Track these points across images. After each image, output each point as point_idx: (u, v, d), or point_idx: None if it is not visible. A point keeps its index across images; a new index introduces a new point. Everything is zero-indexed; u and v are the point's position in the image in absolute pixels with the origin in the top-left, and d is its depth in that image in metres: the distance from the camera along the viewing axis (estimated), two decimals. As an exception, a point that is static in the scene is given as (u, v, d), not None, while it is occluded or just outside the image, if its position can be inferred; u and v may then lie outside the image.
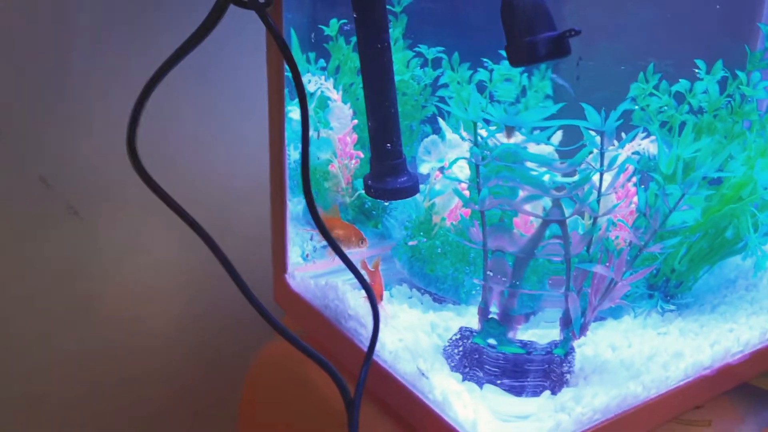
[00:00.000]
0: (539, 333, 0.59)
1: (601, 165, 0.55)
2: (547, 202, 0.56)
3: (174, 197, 0.54)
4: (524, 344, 0.58)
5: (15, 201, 0.79)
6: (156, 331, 0.91)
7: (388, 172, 0.60)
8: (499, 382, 0.57)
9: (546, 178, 0.54)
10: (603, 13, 0.74)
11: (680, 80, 0.68)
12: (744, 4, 0.76)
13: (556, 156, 0.66)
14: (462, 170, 0.63)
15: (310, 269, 0.74)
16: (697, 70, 0.66)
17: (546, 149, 0.66)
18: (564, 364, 0.58)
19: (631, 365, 0.60)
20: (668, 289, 0.68)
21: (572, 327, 0.57)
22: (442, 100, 0.65)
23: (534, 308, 0.57)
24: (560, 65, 0.66)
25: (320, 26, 0.74)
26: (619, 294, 0.58)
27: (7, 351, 0.82)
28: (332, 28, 0.75)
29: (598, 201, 0.56)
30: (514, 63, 0.44)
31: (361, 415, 0.63)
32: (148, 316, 0.91)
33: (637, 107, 0.67)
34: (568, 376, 0.58)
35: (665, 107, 0.67)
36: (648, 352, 0.62)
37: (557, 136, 0.66)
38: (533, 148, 0.58)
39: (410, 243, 0.65)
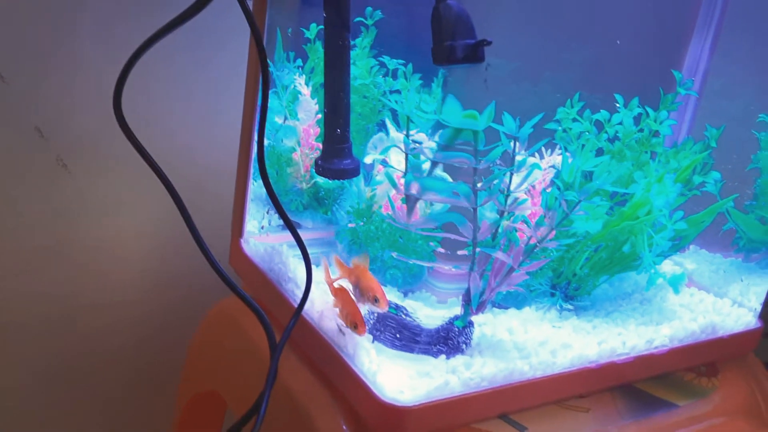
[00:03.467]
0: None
1: (511, 165, 0.63)
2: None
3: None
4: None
5: (10, 146, 0.85)
6: (123, 285, 0.97)
7: (336, 154, 0.67)
8: (399, 343, 0.64)
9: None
10: (551, 46, 0.83)
11: (602, 111, 0.76)
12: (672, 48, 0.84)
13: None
14: (400, 163, 0.70)
15: (264, 240, 0.81)
16: (616, 104, 0.74)
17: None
18: (461, 335, 0.65)
19: (523, 348, 0.67)
20: (569, 290, 0.75)
21: (471, 303, 0.64)
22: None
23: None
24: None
25: (302, 29, 0.82)
26: (516, 281, 0.64)
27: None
28: (312, 32, 0.82)
29: (506, 196, 0.63)
30: (435, 62, 0.52)
31: (285, 364, 0.69)
32: (119, 271, 0.97)
33: (560, 128, 0.75)
34: (464, 346, 0.65)
35: (586, 132, 0.75)
36: (540, 339, 0.69)
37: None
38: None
39: (350, 225, 0.72)
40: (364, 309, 0.62)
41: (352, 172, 0.64)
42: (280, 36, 0.78)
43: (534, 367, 0.65)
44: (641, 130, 0.73)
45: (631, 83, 0.80)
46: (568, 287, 0.75)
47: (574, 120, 0.75)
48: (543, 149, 0.73)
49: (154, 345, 1.00)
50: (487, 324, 0.70)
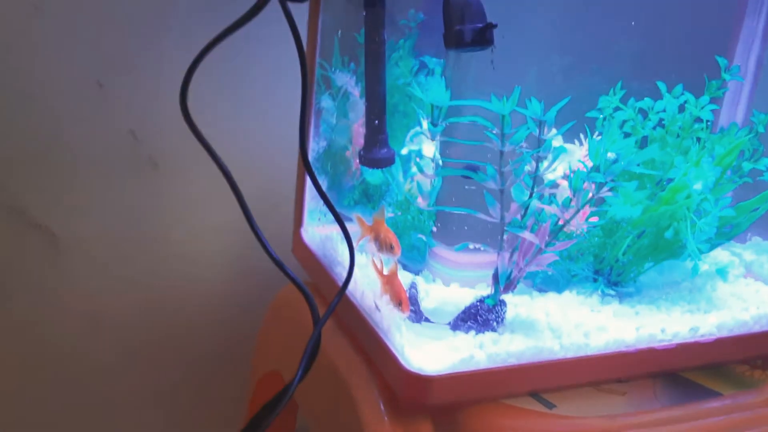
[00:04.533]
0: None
1: (537, 148, 0.64)
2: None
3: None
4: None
5: (106, 148, 0.95)
6: (206, 273, 1.05)
7: (374, 144, 0.71)
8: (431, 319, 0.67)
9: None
10: (596, 42, 0.83)
11: (645, 98, 0.76)
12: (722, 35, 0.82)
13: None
14: (430, 151, 0.73)
15: (320, 230, 0.86)
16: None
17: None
18: (491, 312, 0.66)
19: (557, 329, 0.67)
20: (611, 276, 0.75)
21: (499, 282, 0.65)
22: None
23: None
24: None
25: (355, 33, 0.87)
26: (546, 261, 0.65)
27: (77, 268, 0.98)
28: (361, 37, 0.87)
29: (534, 178, 0.65)
30: (447, 46, 0.55)
31: (332, 341, 0.73)
32: (203, 261, 1.05)
33: (601, 116, 0.75)
34: (494, 323, 0.66)
35: (630, 120, 0.75)
36: (577, 321, 0.69)
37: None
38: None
39: (389, 215, 0.75)
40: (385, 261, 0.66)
41: (386, 162, 0.67)
42: (337, 40, 0.84)
43: (565, 348, 0.66)
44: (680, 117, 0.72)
45: (681, 72, 0.79)
46: (611, 273, 0.74)
47: (617, 108, 0.75)
48: (582, 137, 0.74)
49: (233, 329, 1.08)
50: (523, 305, 0.71)
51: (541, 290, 0.74)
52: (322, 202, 0.82)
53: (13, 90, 0.89)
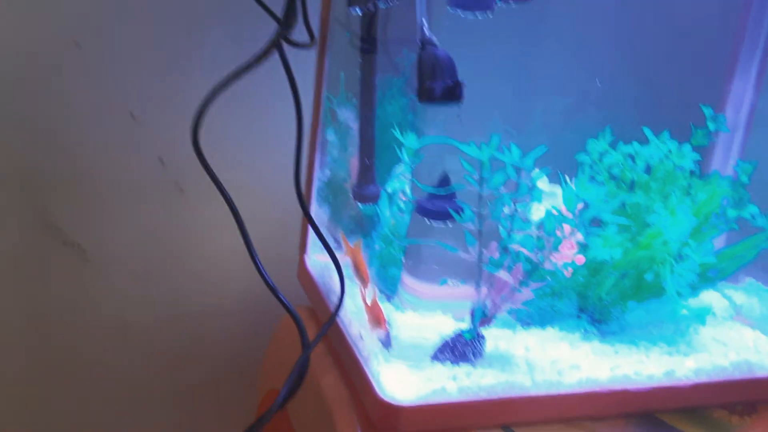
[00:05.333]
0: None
1: (516, 192, 0.67)
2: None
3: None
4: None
5: (136, 173, 1.02)
6: (230, 293, 1.11)
7: (365, 179, 0.76)
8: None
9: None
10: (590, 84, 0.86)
11: (632, 142, 0.78)
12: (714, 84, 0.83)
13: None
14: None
15: (323, 258, 0.90)
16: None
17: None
18: (468, 346, 0.69)
19: (533, 364, 0.70)
20: (595, 314, 0.77)
21: (474, 318, 0.68)
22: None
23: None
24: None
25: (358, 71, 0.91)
26: (520, 299, 0.68)
27: (105, 283, 1.06)
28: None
29: (511, 220, 0.68)
30: (419, 100, 0.59)
31: (321, 363, 0.78)
32: (227, 281, 1.11)
33: (588, 160, 0.78)
34: (472, 356, 0.69)
35: (619, 164, 0.77)
36: (553, 358, 0.71)
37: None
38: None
39: (376, 248, 0.79)
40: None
41: (372, 198, 0.72)
42: (342, 77, 0.89)
43: (537, 384, 0.68)
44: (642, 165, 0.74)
45: (674, 119, 0.81)
46: (595, 311, 0.76)
47: (606, 152, 0.78)
48: (567, 179, 0.76)
49: (246, 341, 1.13)
50: (504, 339, 0.74)
51: (524, 324, 0.77)
52: (325, 229, 0.88)
53: (54, 119, 0.97)
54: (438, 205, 0.72)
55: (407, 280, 0.66)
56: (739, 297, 0.84)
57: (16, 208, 0.97)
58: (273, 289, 0.75)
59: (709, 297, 0.83)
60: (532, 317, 0.78)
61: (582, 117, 0.83)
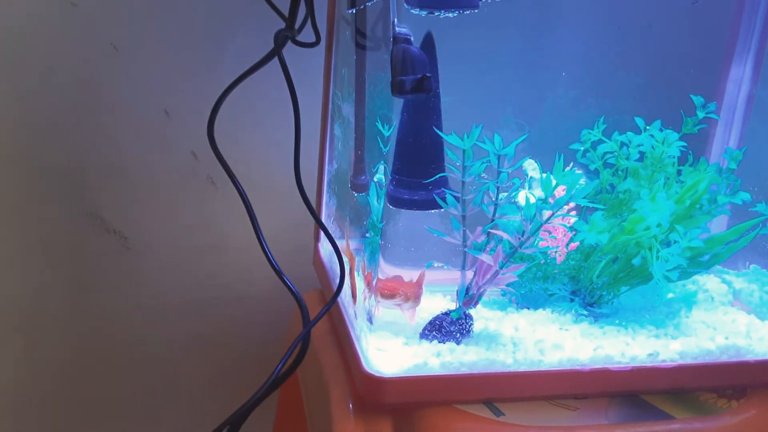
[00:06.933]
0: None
1: (497, 179, 0.71)
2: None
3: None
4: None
5: (171, 166, 1.10)
6: (260, 280, 1.19)
7: (358, 170, 0.81)
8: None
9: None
10: (593, 76, 0.89)
11: (627, 132, 0.80)
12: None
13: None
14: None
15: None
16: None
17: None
18: (454, 325, 0.74)
19: (518, 343, 0.74)
20: (587, 297, 0.79)
21: (458, 298, 0.73)
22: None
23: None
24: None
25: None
26: (503, 281, 0.72)
27: (144, 269, 1.15)
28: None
29: (495, 206, 0.72)
30: (392, 94, 0.64)
31: (323, 340, 0.84)
32: (256, 268, 1.18)
33: (581, 149, 0.81)
34: (458, 335, 0.74)
35: (613, 152, 0.80)
36: (539, 338, 0.75)
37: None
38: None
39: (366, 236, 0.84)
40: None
41: (362, 188, 0.78)
42: (345, 74, 0.94)
43: (518, 362, 0.72)
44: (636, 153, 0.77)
45: (672, 109, 0.83)
46: (587, 294, 0.79)
47: (601, 141, 0.81)
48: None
49: (276, 324, 1.20)
50: (495, 320, 0.78)
51: (518, 306, 0.81)
52: (335, 218, 0.94)
53: (96, 116, 1.06)
54: (402, 193, 0.77)
55: (382, 264, 0.71)
56: (740, 283, 0.84)
57: (61, 198, 1.07)
58: (279, 273, 0.82)
59: (709, 282, 0.85)
60: (527, 299, 0.82)
61: (586, 108, 0.86)
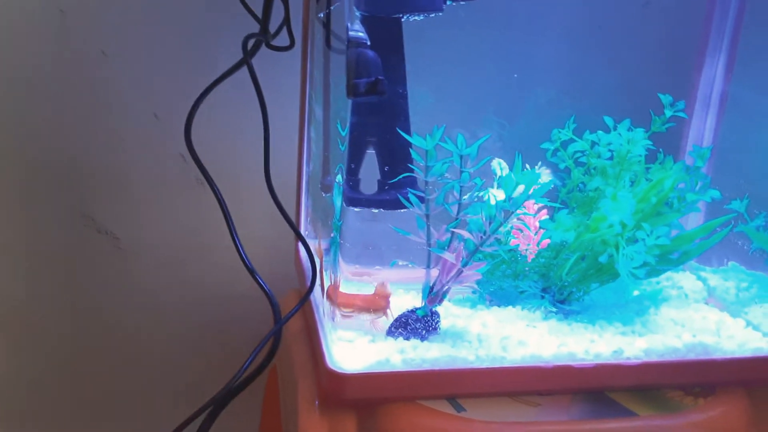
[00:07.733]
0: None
1: (459, 179, 0.72)
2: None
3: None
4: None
5: (160, 168, 1.13)
6: (242, 280, 1.20)
7: (326, 172, 0.83)
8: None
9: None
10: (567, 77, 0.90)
11: (597, 131, 0.81)
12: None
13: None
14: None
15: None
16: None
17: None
18: (419, 322, 0.75)
19: (484, 340, 0.75)
20: (557, 295, 0.80)
21: (423, 296, 0.74)
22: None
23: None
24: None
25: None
26: (467, 278, 0.73)
27: (136, 269, 1.18)
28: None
29: (459, 205, 0.73)
30: (348, 96, 0.65)
31: (297, 337, 0.85)
32: (240, 270, 1.20)
33: (551, 148, 0.81)
34: (423, 332, 0.74)
35: (584, 151, 0.81)
36: (504, 334, 0.75)
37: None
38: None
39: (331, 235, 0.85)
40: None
41: (329, 188, 0.79)
42: (317, 76, 0.96)
43: (480, 358, 0.73)
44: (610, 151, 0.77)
45: (644, 108, 0.84)
46: (557, 292, 0.80)
47: (572, 140, 0.81)
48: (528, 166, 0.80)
49: (264, 322, 1.22)
50: (463, 317, 0.79)
51: (490, 302, 0.82)
52: (311, 219, 0.96)
53: (88, 121, 1.10)
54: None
55: (341, 263, 0.73)
56: (715, 280, 0.84)
57: (54, 199, 1.10)
58: (251, 271, 0.84)
59: (684, 280, 0.85)
60: (498, 297, 0.82)
61: (564, 108, 0.87)
